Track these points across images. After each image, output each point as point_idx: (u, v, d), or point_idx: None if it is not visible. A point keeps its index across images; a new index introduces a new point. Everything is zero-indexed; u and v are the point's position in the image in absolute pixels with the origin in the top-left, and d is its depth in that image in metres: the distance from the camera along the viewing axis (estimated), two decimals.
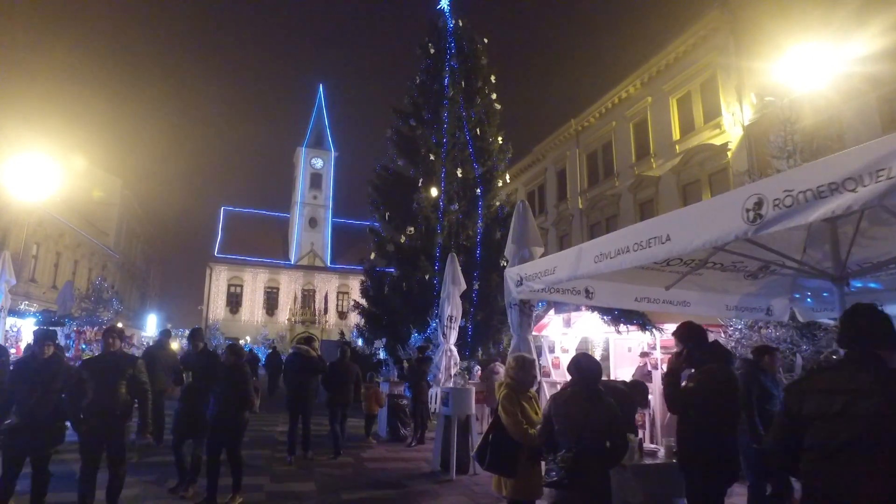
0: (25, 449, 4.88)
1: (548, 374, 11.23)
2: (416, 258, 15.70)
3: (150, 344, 11.73)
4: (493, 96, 18.79)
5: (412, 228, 16.21)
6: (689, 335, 3.78)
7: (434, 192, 16.36)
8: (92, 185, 36.48)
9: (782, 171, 7.34)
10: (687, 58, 20.13)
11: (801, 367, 7.39)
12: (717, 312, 5.89)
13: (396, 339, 15.25)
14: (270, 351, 24.33)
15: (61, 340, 13.54)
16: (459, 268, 11.42)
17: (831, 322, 6.84)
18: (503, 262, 16.74)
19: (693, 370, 3.62)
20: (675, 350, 3.88)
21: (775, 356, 5.92)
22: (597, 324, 10.13)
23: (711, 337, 8.47)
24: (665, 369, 4.38)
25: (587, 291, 5.42)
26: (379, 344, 16.43)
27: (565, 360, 9.65)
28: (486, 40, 19.10)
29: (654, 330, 8.62)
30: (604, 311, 8.84)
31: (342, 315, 48.17)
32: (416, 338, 14.32)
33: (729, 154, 17.93)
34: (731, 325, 8.73)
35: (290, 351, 9.55)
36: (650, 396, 8.17)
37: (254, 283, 47.36)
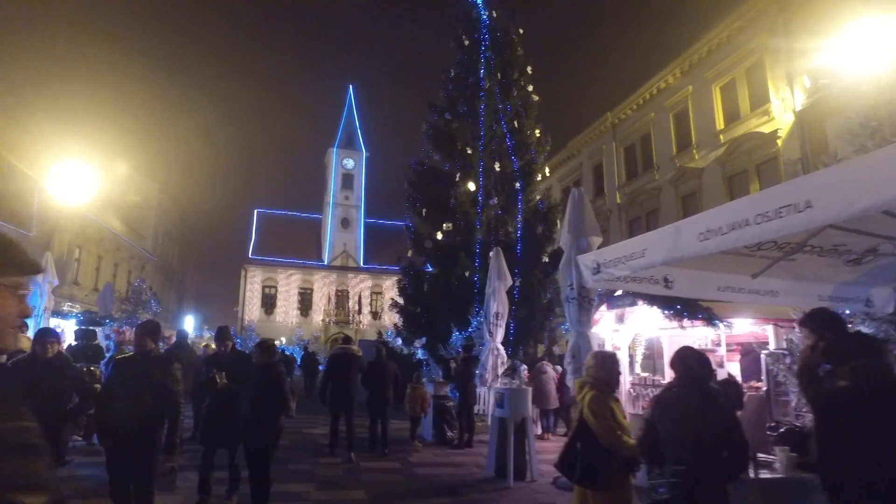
0: None
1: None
2: (455, 255, 15.29)
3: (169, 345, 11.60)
4: (530, 88, 18.27)
5: (450, 224, 15.79)
6: (828, 324, 3.15)
7: (472, 186, 15.92)
8: (130, 189, 37.11)
9: (861, 151, 6.67)
10: (731, 43, 19.26)
11: None
12: (808, 303, 5.31)
13: (436, 337, 14.85)
14: (304, 352, 24.24)
15: (101, 341, 13.51)
16: (504, 263, 10.98)
17: None
18: (544, 258, 16.24)
19: (831, 366, 2.99)
20: (806, 342, 3.28)
21: None
22: (652, 319, 9.57)
23: (780, 333, 7.87)
24: (784, 367, 3.79)
25: (666, 280, 4.91)
26: (418, 343, 16.05)
27: None
28: (521, 30, 18.61)
29: (720, 324, 8.02)
30: (665, 304, 8.28)
31: (375, 315, 48.07)
32: (456, 336, 13.90)
33: (779, 142, 17.06)
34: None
35: (333, 351, 9.67)
36: None
37: (288, 284, 47.61)
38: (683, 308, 8.09)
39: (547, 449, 9.41)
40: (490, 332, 10.58)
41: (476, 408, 11.13)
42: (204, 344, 19.04)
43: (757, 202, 2.81)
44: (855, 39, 11.68)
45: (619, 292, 9.88)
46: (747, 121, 18.47)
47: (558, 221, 17.20)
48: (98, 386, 5.40)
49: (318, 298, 47.66)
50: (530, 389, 7.85)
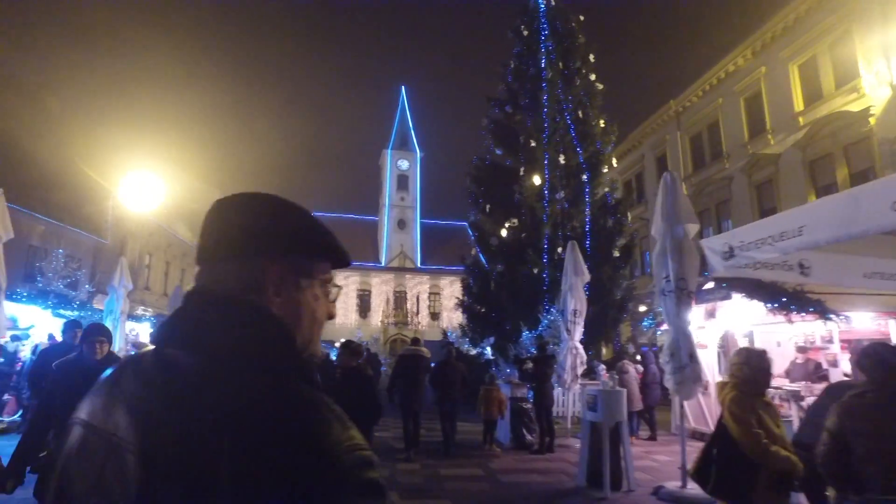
0: None
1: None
2: (521, 251, 14.76)
3: None
4: (592, 77, 17.52)
5: (515, 220, 15.27)
6: None
7: (537, 180, 15.34)
8: (193, 196, 38.30)
9: None
10: (811, 17, 17.92)
11: None
12: None
13: (505, 337, 14.38)
14: (367, 352, 24.16)
15: None
16: (581, 257, 10.41)
17: None
18: (615, 252, 15.50)
19: None
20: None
21: None
22: (748, 314, 8.81)
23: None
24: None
25: (801, 267, 4.29)
26: (486, 343, 15.60)
27: (703, 357, 8.36)
28: (581, 17, 17.90)
29: (834, 318, 7.21)
30: (769, 297, 7.54)
31: (434, 316, 47.95)
32: (526, 335, 13.38)
33: (871, 120, 15.69)
34: None
35: (402, 352, 9.86)
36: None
37: (346, 287, 48.05)
38: (791, 300, 7.33)
39: (634, 455, 8.78)
40: (567, 330, 10.02)
41: (559, 409, 10.61)
42: None
43: None
44: None
45: (709, 285, 9.17)
46: (831, 100, 17.12)
47: (629, 214, 16.43)
48: None
49: (376, 300, 47.89)
50: (625, 391, 7.26)
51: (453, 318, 48.12)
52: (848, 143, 16.68)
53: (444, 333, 22.76)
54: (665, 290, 6.64)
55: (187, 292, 0.88)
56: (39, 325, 11.40)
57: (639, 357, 12.45)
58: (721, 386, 3.42)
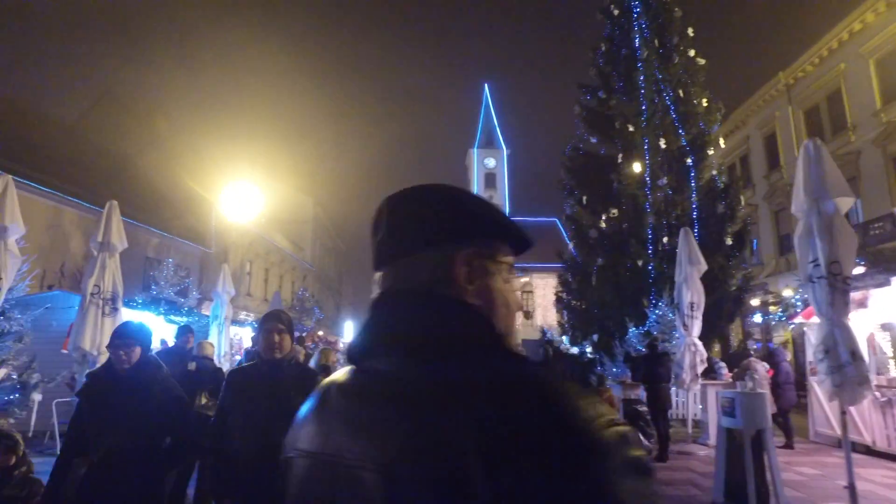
0: None
1: (814, 373, 8.74)
2: (623, 243, 13.84)
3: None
4: (692, 53, 16.21)
5: (615, 210, 14.35)
6: None
7: (637, 167, 14.34)
8: (288, 205, 39.99)
9: None
10: None
11: None
12: None
13: (609, 334, 13.53)
14: None
15: None
16: (696, 245, 9.48)
17: None
18: (727, 240, 14.21)
19: None
20: None
21: None
22: None
23: None
24: None
25: None
26: (588, 341, 14.80)
27: None
28: None
29: None
30: None
31: (527, 315, 47.19)
32: (633, 332, 12.49)
33: None
34: None
35: None
36: None
37: None
38: None
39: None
40: (684, 325, 9.11)
41: (676, 413, 9.73)
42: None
43: None
44: None
45: (858, 270, 7.99)
46: None
47: (741, 197, 15.02)
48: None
49: None
50: (767, 393, 6.37)
51: (548, 316, 47.30)
52: None
53: (542, 332, 22.07)
54: (813, 276, 5.70)
55: (377, 298, 0.84)
56: (154, 331, 12.00)
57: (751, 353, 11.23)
58: None
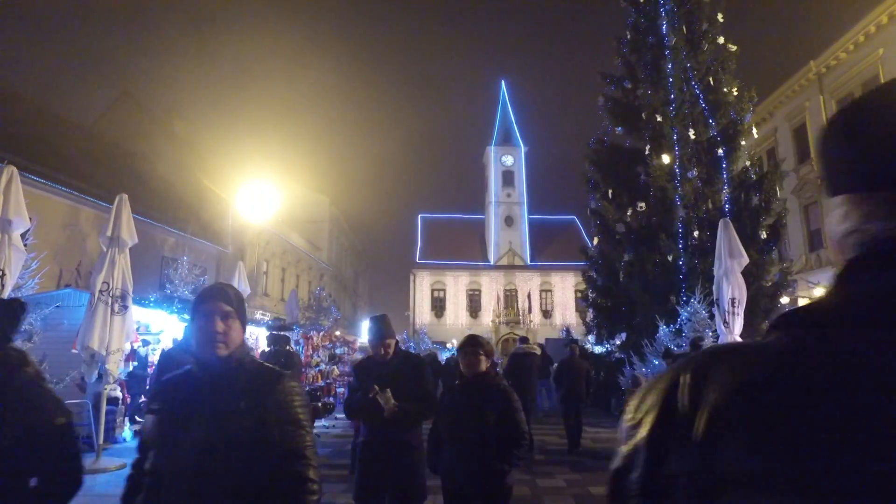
0: None
1: None
2: (652, 237, 13.25)
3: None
4: (721, 40, 15.53)
5: (643, 204, 13.75)
6: None
7: (665, 158, 13.73)
8: (305, 205, 39.84)
9: None
10: None
11: None
12: None
13: (638, 333, 12.95)
14: None
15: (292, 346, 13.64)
16: (736, 236, 8.90)
17: None
18: (762, 233, 13.56)
19: None
20: None
21: None
22: None
23: None
24: None
25: None
26: (615, 340, 14.23)
27: None
28: None
29: None
30: None
31: (546, 314, 46.51)
32: (663, 330, 11.91)
33: None
34: None
35: (514, 350, 10.15)
36: None
37: (456, 287, 47.88)
38: None
39: None
40: (725, 322, 8.54)
41: None
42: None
43: None
44: None
45: None
46: None
47: (777, 188, 14.34)
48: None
49: (486, 299, 47.25)
50: None
51: (566, 314, 46.65)
52: None
53: (567, 331, 21.52)
54: None
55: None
56: (168, 329, 11.72)
57: None
58: None
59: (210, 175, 27.72)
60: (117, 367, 7.26)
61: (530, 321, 44.98)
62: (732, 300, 8.50)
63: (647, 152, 14.13)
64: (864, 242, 0.61)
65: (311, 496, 1.82)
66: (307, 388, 11.35)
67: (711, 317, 11.23)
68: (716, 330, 10.06)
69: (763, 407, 0.52)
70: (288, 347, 9.95)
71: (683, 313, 12.06)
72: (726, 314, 8.52)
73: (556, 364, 13.02)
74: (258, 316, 22.26)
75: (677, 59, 14.72)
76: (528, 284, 46.94)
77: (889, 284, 0.56)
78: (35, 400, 1.92)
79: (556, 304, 46.65)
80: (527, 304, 45.94)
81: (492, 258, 48.22)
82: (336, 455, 8.73)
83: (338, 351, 16.55)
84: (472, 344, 3.51)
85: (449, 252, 47.91)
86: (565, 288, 46.75)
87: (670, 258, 12.92)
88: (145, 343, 10.62)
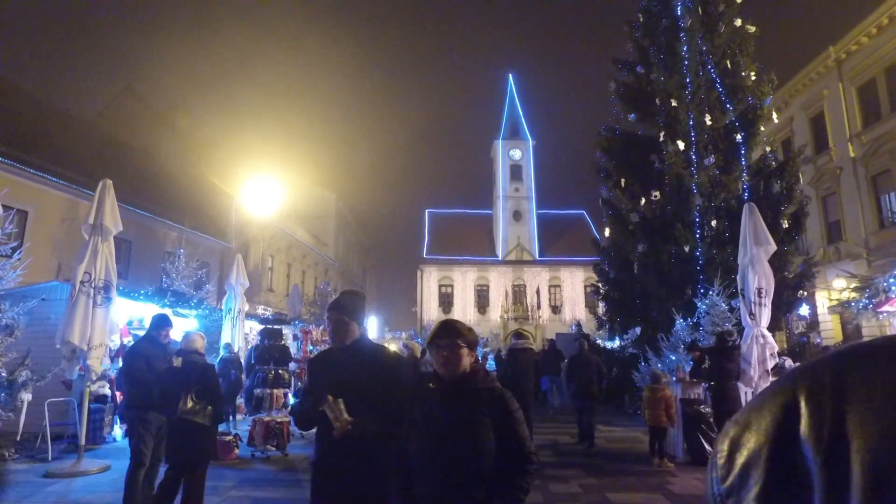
0: None
1: None
2: (668, 227, 12.65)
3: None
4: (738, 22, 14.88)
5: (657, 193, 13.13)
6: None
7: (681, 145, 13.11)
8: (311, 200, 39.45)
9: None
10: None
11: None
12: None
13: (653, 327, 12.39)
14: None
15: (289, 341, 13.17)
16: (763, 222, 8.32)
17: None
18: (783, 223, 12.94)
19: None
20: None
21: None
22: None
23: None
24: None
25: None
26: (629, 336, 13.66)
27: None
28: None
29: None
30: None
31: (555, 309, 45.87)
32: (680, 324, 11.34)
33: None
34: None
35: (512, 346, 9.93)
36: None
37: (463, 282, 47.29)
38: None
39: None
40: (751, 314, 7.96)
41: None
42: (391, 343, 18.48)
43: None
44: None
45: None
46: None
47: (800, 175, 13.70)
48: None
49: (494, 294, 46.63)
50: None
51: (576, 309, 45.98)
52: None
53: (578, 325, 20.95)
54: None
55: None
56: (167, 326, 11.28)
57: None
58: None
59: (214, 170, 27.37)
60: (100, 364, 6.81)
61: (539, 317, 44.37)
62: (759, 290, 7.92)
63: (661, 139, 13.52)
64: None
65: None
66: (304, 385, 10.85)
67: (731, 309, 10.67)
68: (738, 322, 9.50)
69: None
70: (283, 342, 9.52)
71: (701, 306, 11.50)
72: (752, 305, 7.94)
73: (567, 360, 12.54)
74: (259, 311, 21.89)
75: (692, 42, 14.10)
76: (537, 280, 46.28)
77: None
78: None
79: (566, 299, 46.00)
80: (535, 300, 45.30)
81: (500, 253, 47.60)
82: None
83: None
84: (449, 333, 2.38)
85: (456, 247, 47.32)
86: (574, 283, 46.07)
87: (687, 249, 12.31)
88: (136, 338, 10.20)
